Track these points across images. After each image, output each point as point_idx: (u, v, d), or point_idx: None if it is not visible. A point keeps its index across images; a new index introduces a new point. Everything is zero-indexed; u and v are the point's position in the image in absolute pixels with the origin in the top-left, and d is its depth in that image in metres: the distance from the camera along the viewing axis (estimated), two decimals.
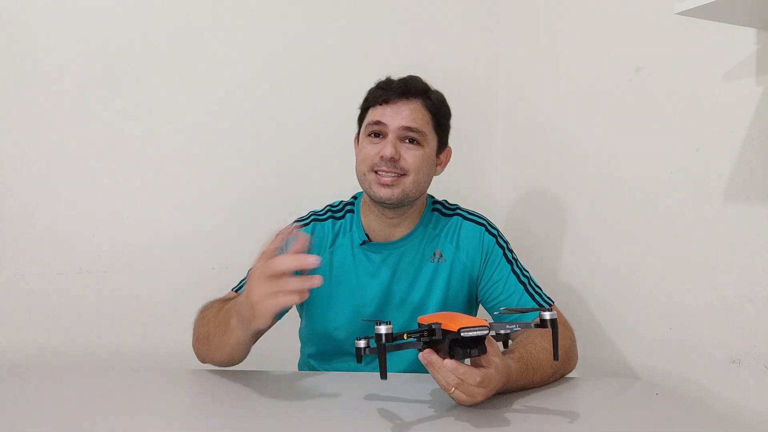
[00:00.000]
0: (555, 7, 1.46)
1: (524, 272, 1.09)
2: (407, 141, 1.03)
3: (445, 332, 0.74)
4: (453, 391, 0.78)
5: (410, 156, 1.02)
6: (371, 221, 1.09)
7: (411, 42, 1.61)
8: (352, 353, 1.07)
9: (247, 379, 0.94)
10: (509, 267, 1.08)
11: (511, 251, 1.11)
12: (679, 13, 0.81)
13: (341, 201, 1.16)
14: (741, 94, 0.93)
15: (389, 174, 1.01)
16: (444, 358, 0.75)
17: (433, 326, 0.75)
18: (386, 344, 0.71)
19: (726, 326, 0.97)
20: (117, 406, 0.84)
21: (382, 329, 0.71)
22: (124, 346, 1.43)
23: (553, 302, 1.08)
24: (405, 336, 0.75)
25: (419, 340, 0.76)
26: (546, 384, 0.95)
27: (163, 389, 0.93)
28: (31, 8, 1.35)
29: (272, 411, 0.84)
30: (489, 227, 1.12)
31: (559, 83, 1.43)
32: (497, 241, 1.10)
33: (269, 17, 1.51)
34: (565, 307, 1.15)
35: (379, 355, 0.71)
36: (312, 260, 0.75)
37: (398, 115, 1.02)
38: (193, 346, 0.99)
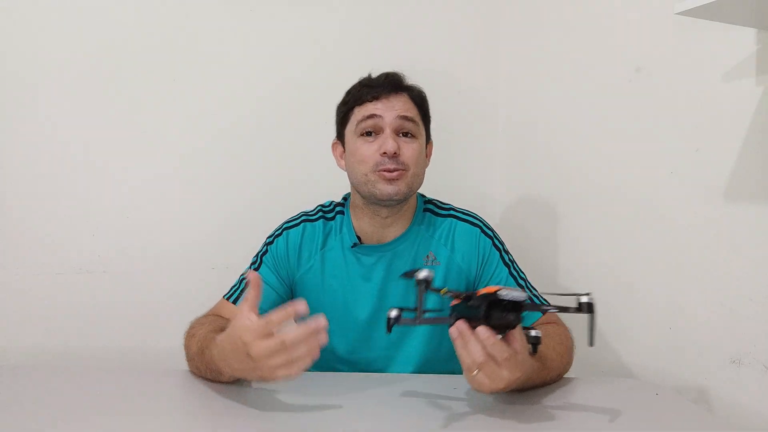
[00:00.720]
0: (555, 7, 1.46)
1: (521, 275, 1.08)
2: (402, 135, 1.02)
3: (483, 296, 0.73)
4: (476, 374, 0.75)
5: (408, 149, 1.01)
6: (363, 223, 1.07)
7: (411, 43, 1.61)
8: (346, 359, 1.07)
9: (246, 380, 0.94)
10: (507, 270, 1.07)
11: (507, 253, 1.10)
12: (679, 13, 0.81)
13: (332, 201, 1.14)
14: (741, 94, 0.93)
15: (393, 171, 0.99)
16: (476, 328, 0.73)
17: (470, 292, 0.75)
18: (422, 315, 0.74)
19: (726, 326, 0.97)
20: (116, 407, 0.84)
21: (422, 274, 0.75)
22: (124, 347, 1.43)
23: (550, 305, 1.07)
24: (443, 292, 0.78)
25: (455, 302, 0.77)
26: (550, 384, 0.95)
27: (162, 389, 0.93)
28: (31, 8, 1.35)
29: (271, 412, 0.83)
30: (485, 228, 1.10)
31: (559, 83, 1.43)
32: (493, 243, 1.09)
33: (270, 18, 1.51)
34: None
35: (419, 296, 0.74)
36: (301, 308, 0.73)
37: (392, 108, 1.01)
38: (186, 360, 0.97)
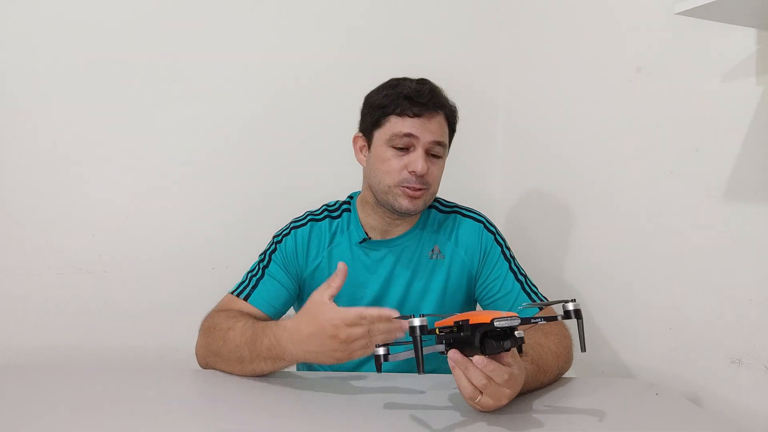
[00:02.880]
0: (555, 7, 1.46)
1: (521, 271, 1.09)
2: (430, 154, 1.03)
3: (475, 326, 0.72)
4: (479, 399, 0.76)
5: (434, 170, 1.03)
6: (372, 219, 1.09)
7: (412, 43, 1.60)
8: None
9: (247, 379, 0.94)
10: (507, 265, 1.09)
11: (508, 249, 1.12)
12: (679, 13, 0.81)
13: (337, 200, 1.16)
14: (741, 94, 0.93)
15: (416, 189, 1.01)
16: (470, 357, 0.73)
17: (461, 322, 0.73)
18: (423, 365, 0.70)
19: (726, 326, 0.97)
20: (117, 406, 0.84)
21: (416, 322, 0.70)
22: (124, 347, 1.42)
23: (548, 300, 1.07)
24: (437, 331, 0.75)
25: (447, 337, 0.75)
26: (549, 384, 0.95)
27: (163, 389, 0.93)
28: (30, 8, 1.35)
29: (272, 411, 0.84)
30: (487, 224, 1.12)
31: (559, 83, 1.43)
32: (495, 239, 1.11)
33: (270, 18, 1.51)
34: None
35: (416, 349, 0.70)
36: (340, 267, 0.85)
37: (428, 130, 1.00)
38: (204, 357, 0.99)
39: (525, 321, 0.74)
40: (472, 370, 0.74)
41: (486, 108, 1.68)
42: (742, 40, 0.92)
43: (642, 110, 1.15)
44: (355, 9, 1.56)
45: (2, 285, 1.37)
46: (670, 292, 1.08)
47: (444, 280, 1.09)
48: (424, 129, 1.00)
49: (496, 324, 0.70)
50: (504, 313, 0.72)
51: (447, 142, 1.06)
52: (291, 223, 1.12)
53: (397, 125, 1.01)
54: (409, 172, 1.00)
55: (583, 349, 0.77)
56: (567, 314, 0.76)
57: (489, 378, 0.74)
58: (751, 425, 0.91)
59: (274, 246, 1.10)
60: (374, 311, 0.80)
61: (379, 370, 0.75)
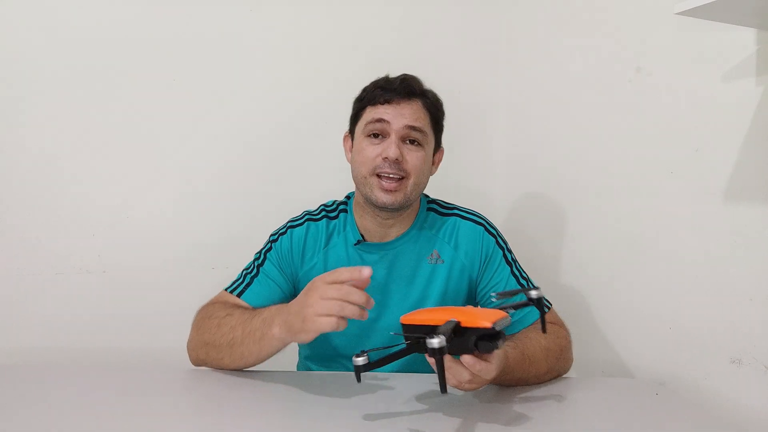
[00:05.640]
0: (555, 7, 1.46)
1: (522, 274, 1.09)
2: (408, 142, 1.02)
3: (472, 330, 0.71)
4: (462, 385, 0.77)
5: (412, 157, 1.01)
6: (366, 221, 1.08)
7: (412, 43, 1.61)
8: (348, 355, 1.07)
9: (247, 379, 0.94)
10: (509, 269, 1.07)
11: (510, 252, 1.10)
12: (679, 13, 0.81)
13: (335, 201, 1.15)
14: (741, 94, 0.93)
15: (392, 178, 0.99)
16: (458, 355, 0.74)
17: (455, 326, 0.71)
18: (441, 356, 0.67)
19: (726, 326, 0.97)
20: (116, 406, 0.84)
21: (436, 343, 0.65)
22: (124, 346, 1.43)
23: (551, 305, 1.07)
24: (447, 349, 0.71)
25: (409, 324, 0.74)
26: (540, 382, 0.96)
27: (162, 389, 0.93)
28: (30, 8, 1.35)
29: (272, 412, 0.84)
30: (488, 227, 1.10)
31: (559, 83, 1.43)
32: (497, 242, 1.09)
33: (271, 18, 1.51)
34: (564, 306, 1.15)
35: (439, 371, 0.67)
36: (367, 272, 0.78)
37: (401, 115, 1.01)
38: (196, 350, 0.98)
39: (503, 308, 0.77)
40: (454, 369, 0.75)
41: (486, 108, 1.68)
42: (742, 40, 0.92)
43: (642, 110, 1.15)
44: (354, 10, 1.56)
45: (2, 285, 1.37)
46: (670, 292, 1.08)
47: (444, 285, 1.07)
48: (396, 114, 1.00)
49: (496, 328, 0.70)
50: (490, 311, 0.73)
51: (427, 131, 1.04)
52: (288, 222, 1.11)
53: (370, 113, 1.03)
54: (383, 159, 0.99)
55: (544, 330, 0.81)
56: (530, 301, 0.79)
57: (474, 375, 0.75)
58: (751, 425, 0.91)
59: (270, 245, 1.09)
60: (350, 271, 0.78)
61: (358, 380, 0.75)
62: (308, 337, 0.80)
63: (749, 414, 0.92)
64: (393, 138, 1.00)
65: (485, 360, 0.76)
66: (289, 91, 1.53)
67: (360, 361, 0.73)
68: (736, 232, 0.95)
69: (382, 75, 1.09)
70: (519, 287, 1.06)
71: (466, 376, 0.75)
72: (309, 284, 0.82)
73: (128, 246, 1.44)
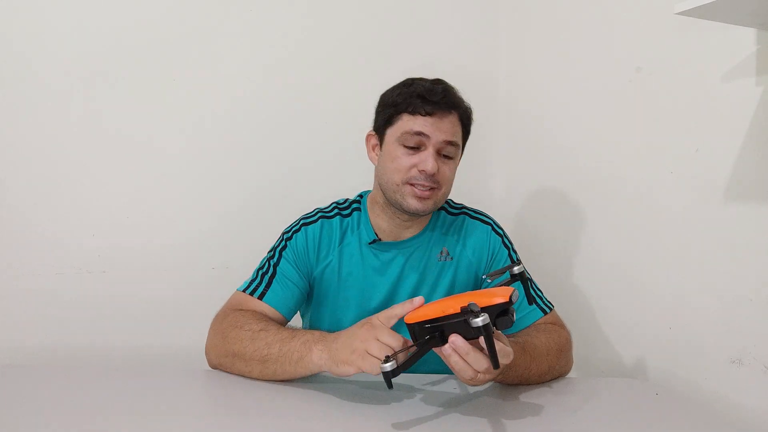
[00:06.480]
0: (556, 6, 1.46)
1: (526, 274, 1.09)
2: (442, 155, 1.01)
3: (491, 308, 0.71)
4: (478, 377, 0.77)
5: (445, 170, 1.01)
6: (382, 221, 1.08)
7: (412, 39, 1.61)
8: None
9: (249, 378, 0.94)
10: None
11: (515, 252, 1.11)
12: (679, 13, 0.81)
13: (347, 199, 1.14)
14: (741, 94, 0.93)
15: (426, 188, 0.99)
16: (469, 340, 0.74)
17: (471, 305, 0.71)
18: (489, 332, 0.68)
19: (726, 326, 0.97)
20: (117, 406, 0.83)
21: (480, 321, 0.67)
22: (124, 346, 1.42)
23: (553, 306, 1.07)
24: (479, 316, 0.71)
25: (453, 326, 0.73)
26: (542, 381, 0.96)
27: (163, 389, 0.93)
28: (30, 7, 1.35)
29: (275, 410, 0.83)
30: (495, 227, 1.12)
31: (560, 82, 1.43)
32: (503, 242, 1.11)
33: (270, 16, 1.51)
34: (564, 306, 1.15)
35: (489, 344, 0.68)
36: (417, 302, 0.80)
37: (440, 129, 0.99)
38: (219, 358, 0.96)
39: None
40: (473, 356, 0.74)
41: (487, 107, 1.68)
42: (742, 40, 0.92)
43: (642, 110, 1.15)
44: (354, 8, 1.57)
45: (2, 285, 1.37)
46: (670, 292, 1.08)
47: (451, 281, 1.08)
48: (435, 128, 0.99)
49: (513, 300, 0.70)
50: (494, 289, 0.74)
51: (460, 143, 1.04)
52: (301, 219, 1.10)
53: (408, 123, 1.00)
54: (419, 171, 0.99)
55: (530, 302, 0.90)
56: (513, 277, 0.82)
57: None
58: (751, 425, 0.91)
59: (284, 243, 1.07)
60: (400, 309, 0.81)
61: (389, 386, 0.73)
62: (351, 370, 0.80)
63: (749, 414, 0.92)
64: (430, 151, 0.99)
65: (502, 342, 0.77)
66: (290, 90, 1.53)
67: (388, 366, 0.72)
68: (736, 232, 0.95)
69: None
70: (523, 288, 1.06)
71: (484, 364, 0.75)
72: (366, 320, 0.83)
73: (128, 246, 1.44)
